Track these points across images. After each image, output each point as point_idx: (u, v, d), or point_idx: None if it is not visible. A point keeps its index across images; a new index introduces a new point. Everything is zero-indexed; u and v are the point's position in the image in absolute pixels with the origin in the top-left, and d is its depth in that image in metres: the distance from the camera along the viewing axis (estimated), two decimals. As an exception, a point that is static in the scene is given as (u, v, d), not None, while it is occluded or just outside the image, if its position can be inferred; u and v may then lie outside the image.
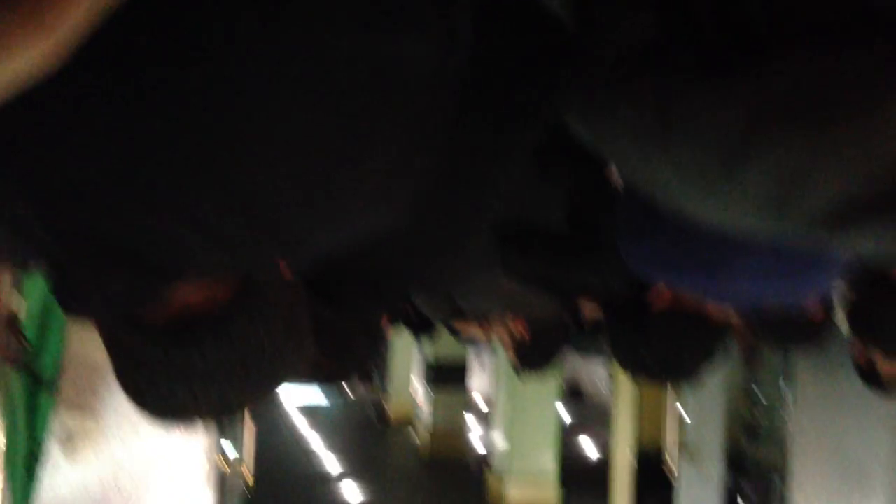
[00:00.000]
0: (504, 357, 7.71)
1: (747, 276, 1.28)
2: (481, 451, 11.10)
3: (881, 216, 0.67)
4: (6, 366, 2.13)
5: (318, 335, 0.92)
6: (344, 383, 1.58)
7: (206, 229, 0.64)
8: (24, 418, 2.21)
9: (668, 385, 3.82)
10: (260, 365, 0.78)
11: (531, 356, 2.40)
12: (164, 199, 0.61)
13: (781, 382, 3.68)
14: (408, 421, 13.40)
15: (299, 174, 0.66)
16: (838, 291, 2.05)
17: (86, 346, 2.43)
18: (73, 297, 0.72)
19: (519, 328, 2.37)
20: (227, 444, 2.86)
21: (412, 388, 13.97)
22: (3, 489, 2.19)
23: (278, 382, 0.83)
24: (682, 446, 4.33)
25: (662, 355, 1.47)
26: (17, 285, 2.17)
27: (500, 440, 8.27)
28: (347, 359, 1.47)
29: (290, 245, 0.71)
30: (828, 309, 2.05)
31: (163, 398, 0.77)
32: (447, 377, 11.12)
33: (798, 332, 2.07)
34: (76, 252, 0.66)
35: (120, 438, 2.53)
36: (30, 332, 2.20)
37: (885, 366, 1.99)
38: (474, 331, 2.37)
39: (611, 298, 1.68)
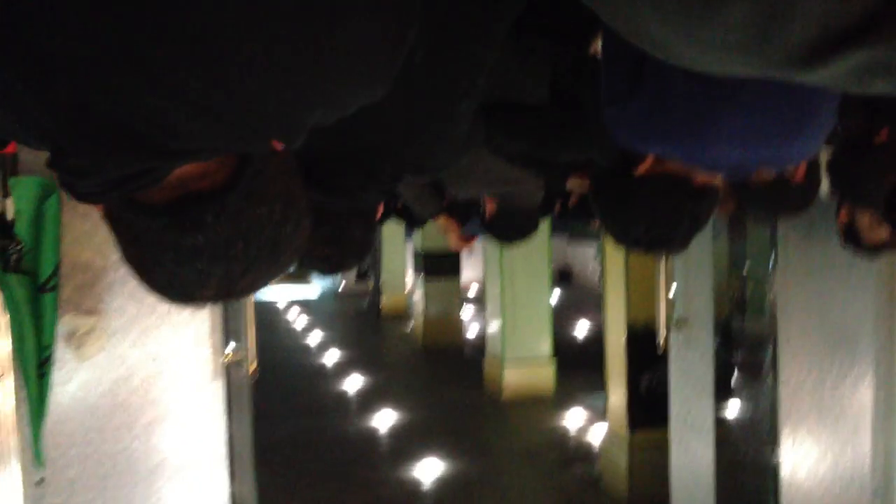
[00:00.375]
0: (494, 245, 7.80)
1: (732, 141, 1.29)
2: (476, 337, 11.35)
3: (857, 47, 0.69)
4: (6, 271, 2.15)
5: (316, 224, 0.94)
6: (340, 274, 1.62)
7: (196, 105, 0.65)
8: (30, 323, 2.25)
9: (658, 255, 3.88)
10: (261, 242, 0.80)
11: (506, 231, 2.44)
12: (153, 73, 0.62)
13: (769, 252, 3.75)
14: (402, 312, 13.63)
15: (284, 42, 0.66)
16: (822, 156, 2.07)
17: (83, 250, 2.45)
18: (75, 181, 0.73)
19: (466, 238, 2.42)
20: (231, 342, 2.92)
21: (405, 279, 14.15)
22: (18, 393, 2.25)
23: (280, 264, 0.86)
24: (673, 321, 4.44)
25: (650, 226, 1.49)
26: (5, 189, 2.16)
27: (494, 326, 8.44)
28: (345, 247, 1.50)
29: (278, 120, 0.72)
30: (812, 175, 2.08)
31: (169, 277, 0.80)
32: (439, 267, 11.23)
33: (783, 199, 2.09)
34: (74, 134, 0.67)
35: (128, 339, 2.59)
36: (23, 235, 2.20)
37: (865, 227, 2.04)
38: (454, 235, 2.41)
39: (598, 173, 1.69)
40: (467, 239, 2.41)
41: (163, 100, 0.63)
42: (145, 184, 0.72)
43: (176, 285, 0.81)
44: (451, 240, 2.44)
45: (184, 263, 0.78)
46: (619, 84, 1.32)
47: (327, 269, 1.54)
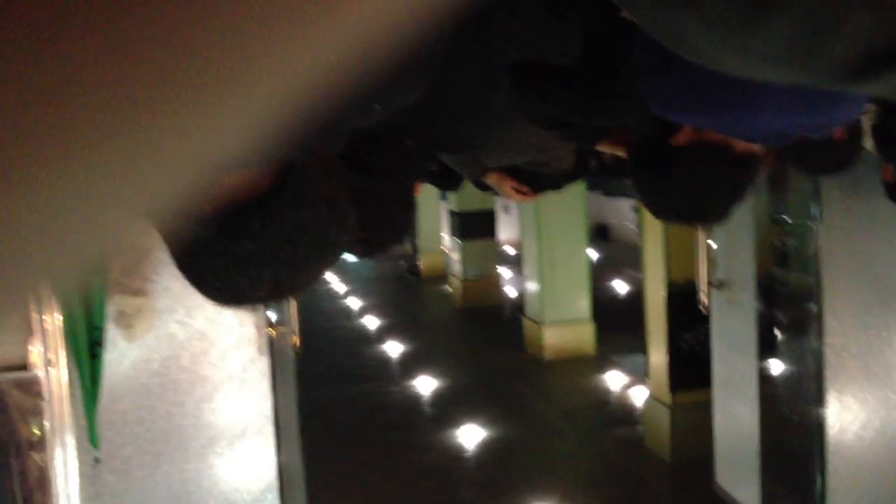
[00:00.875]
0: (530, 205, 7.73)
1: (772, 111, 1.25)
2: (515, 298, 11.36)
3: None
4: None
5: (356, 208, 0.95)
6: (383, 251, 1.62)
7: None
8: (80, 306, 2.30)
9: (698, 227, 3.83)
10: (308, 244, 0.82)
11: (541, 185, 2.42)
12: None
13: (811, 208, 3.68)
14: (440, 273, 13.68)
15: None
16: (866, 114, 2.02)
17: (126, 231, 2.48)
18: None
19: (523, 187, 2.38)
20: (273, 314, 2.96)
21: (441, 241, 14.17)
22: (72, 375, 2.31)
23: (328, 262, 0.87)
24: (714, 279, 4.39)
25: (690, 197, 1.45)
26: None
27: (532, 286, 8.43)
28: (384, 228, 1.50)
29: (323, 131, 0.72)
30: (855, 132, 2.03)
31: (220, 284, 0.81)
32: (475, 227, 11.22)
33: (826, 158, 2.05)
34: None
35: (175, 317, 2.64)
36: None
37: None
38: (506, 188, 2.37)
39: (633, 141, 1.66)
40: (526, 191, 2.37)
41: None
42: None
43: (227, 290, 0.83)
44: (509, 193, 2.40)
45: (233, 270, 0.80)
46: (653, 54, 1.29)
47: (367, 252, 1.54)
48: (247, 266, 0.80)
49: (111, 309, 2.52)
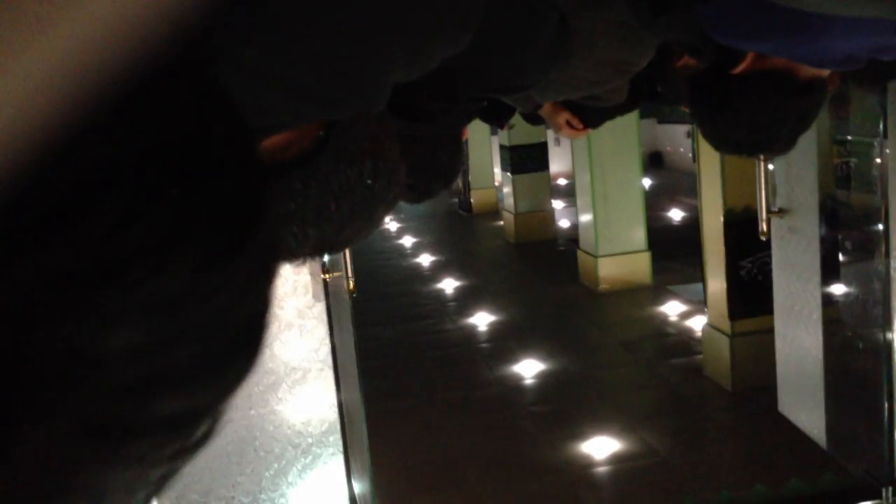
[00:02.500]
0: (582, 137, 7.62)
1: (841, 32, 1.18)
2: (569, 230, 11.28)
3: None
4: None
5: (403, 154, 0.92)
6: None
7: (274, 80, 0.63)
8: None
9: (762, 157, 3.71)
10: (353, 201, 0.80)
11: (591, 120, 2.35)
12: (245, 61, 0.60)
13: (878, 125, 3.53)
14: (492, 208, 13.63)
15: (369, 19, 0.63)
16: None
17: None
18: None
19: (576, 121, 2.31)
20: (326, 257, 2.97)
21: (493, 175, 14.08)
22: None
23: (377, 218, 0.86)
24: (774, 206, 4.28)
25: (753, 129, 1.39)
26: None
27: (586, 217, 8.35)
28: (433, 174, 1.47)
29: (360, 87, 0.70)
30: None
31: None
32: (527, 161, 11.11)
33: (892, 67, 1.95)
34: None
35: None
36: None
37: None
38: (560, 120, 2.30)
39: (694, 75, 1.60)
40: (578, 124, 2.30)
41: (243, 79, 0.62)
42: None
43: None
44: (561, 126, 2.34)
45: (278, 226, 0.79)
46: None
47: (415, 198, 1.51)
48: (291, 224, 0.79)
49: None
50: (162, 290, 0.32)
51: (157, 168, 0.32)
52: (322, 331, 2.79)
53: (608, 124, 2.69)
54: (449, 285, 9.18)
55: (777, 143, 1.43)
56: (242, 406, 2.70)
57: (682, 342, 6.63)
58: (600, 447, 4.86)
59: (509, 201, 11.46)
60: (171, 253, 0.32)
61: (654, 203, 11.25)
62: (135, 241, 0.31)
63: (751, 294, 5.26)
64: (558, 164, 14.26)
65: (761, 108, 1.36)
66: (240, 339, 0.38)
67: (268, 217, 0.38)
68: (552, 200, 11.75)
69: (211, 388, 0.37)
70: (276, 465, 2.76)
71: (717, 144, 1.49)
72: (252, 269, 0.36)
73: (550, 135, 11.01)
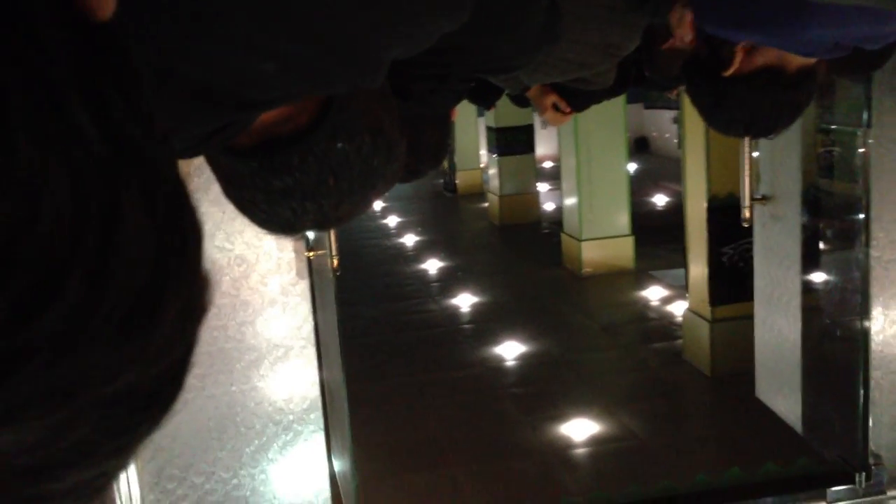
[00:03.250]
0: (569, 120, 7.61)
1: (829, 21, 1.20)
2: (553, 213, 11.30)
3: None
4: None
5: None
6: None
7: (270, 56, 0.63)
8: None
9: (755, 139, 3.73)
10: (352, 176, 0.81)
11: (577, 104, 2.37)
12: (227, 28, 0.60)
13: (861, 115, 3.55)
14: (477, 189, 13.63)
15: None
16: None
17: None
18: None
19: (563, 104, 2.31)
20: (311, 235, 2.97)
21: (479, 157, 14.07)
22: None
23: (375, 192, 0.86)
24: (757, 193, 4.30)
25: (750, 122, 1.44)
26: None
27: (570, 201, 8.37)
28: (421, 153, 1.47)
29: (356, 63, 0.70)
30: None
31: (265, 215, 0.82)
32: (513, 142, 11.10)
33: (879, 57, 1.98)
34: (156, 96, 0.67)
35: (214, 243, 2.65)
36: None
37: None
38: (546, 103, 2.30)
39: (690, 75, 1.63)
40: (564, 108, 2.30)
41: (238, 53, 0.61)
42: (230, 135, 0.72)
43: (273, 221, 0.84)
44: (547, 109, 2.35)
45: (276, 203, 0.80)
46: None
47: (403, 177, 1.51)
48: (289, 199, 0.80)
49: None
50: (60, 379, 0.28)
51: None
52: (305, 308, 2.79)
53: (595, 108, 2.70)
54: (433, 266, 9.18)
55: (776, 130, 1.48)
56: (224, 382, 2.70)
57: (663, 327, 6.68)
58: (579, 429, 4.90)
59: (494, 183, 11.46)
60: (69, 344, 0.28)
61: (639, 188, 11.28)
62: (36, 330, 0.27)
63: (732, 280, 5.30)
64: (544, 146, 14.25)
65: (755, 107, 1.41)
66: (150, 403, 0.34)
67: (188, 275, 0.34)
68: (537, 183, 11.76)
69: (117, 455, 0.33)
70: (256, 442, 2.77)
71: (715, 129, 1.55)
72: (166, 339, 0.32)
73: (537, 117, 11.00)
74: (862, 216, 3.64)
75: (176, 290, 0.33)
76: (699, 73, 1.43)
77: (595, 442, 4.79)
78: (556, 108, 2.30)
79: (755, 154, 4.28)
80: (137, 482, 2.62)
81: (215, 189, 0.84)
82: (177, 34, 0.59)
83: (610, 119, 7.73)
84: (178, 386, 0.35)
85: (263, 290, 2.71)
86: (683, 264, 5.90)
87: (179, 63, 0.61)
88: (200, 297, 0.36)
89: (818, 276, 4.24)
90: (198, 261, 0.35)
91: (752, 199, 4.15)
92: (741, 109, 1.39)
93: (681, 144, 5.81)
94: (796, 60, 1.34)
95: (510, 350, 6.31)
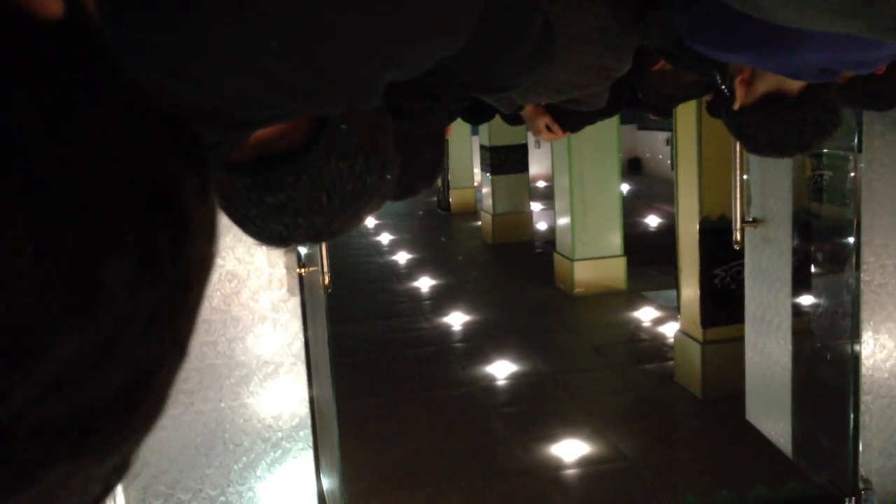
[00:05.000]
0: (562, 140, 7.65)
1: (815, 45, 1.21)
2: (546, 232, 11.31)
3: None
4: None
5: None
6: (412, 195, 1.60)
7: (264, 76, 0.64)
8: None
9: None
10: (344, 195, 0.81)
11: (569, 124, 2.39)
12: (222, 48, 0.60)
13: (852, 139, 3.58)
14: (470, 208, 13.64)
15: (364, 18, 0.63)
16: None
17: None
18: None
19: (556, 127, 2.33)
20: (304, 251, 2.97)
21: (472, 175, 14.09)
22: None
23: (368, 210, 0.87)
24: (749, 216, 4.32)
25: (776, 147, 1.52)
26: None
27: (563, 221, 8.38)
28: (416, 171, 1.47)
29: (351, 85, 0.70)
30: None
31: (258, 229, 0.83)
32: (507, 162, 11.13)
33: (871, 92, 2.00)
34: None
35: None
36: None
37: None
38: (539, 124, 2.31)
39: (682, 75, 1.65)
40: (556, 129, 2.32)
41: (231, 73, 0.61)
42: (224, 152, 0.73)
43: (265, 235, 0.85)
44: (540, 129, 2.36)
45: (269, 218, 0.81)
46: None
47: (397, 195, 1.51)
48: (281, 214, 0.80)
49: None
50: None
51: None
52: (296, 325, 2.78)
53: (588, 128, 2.71)
54: (425, 284, 9.17)
55: (808, 147, 1.52)
56: (212, 398, 2.69)
57: (655, 348, 6.68)
58: (570, 450, 4.88)
59: (488, 202, 11.48)
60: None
61: (632, 209, 11.31)
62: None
63: (723, 302, 5.31)
64: (538, 166, 14.30)
65: (772, 130, 1.47)
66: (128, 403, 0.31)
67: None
68: (531, 202, 11.78)
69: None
70: (244, 459, 2.75)
71: (764, 156, 1.64)
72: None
73: (531, 137, 11.03)
74: (852, 240, 3.66)
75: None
76: (720, 113, 1.50)
77: (585, 463, 4.77)
78: (549, 129, 2.32)
79: (746, 177, 4.30)
80: (123, 499, 2.60)
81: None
82: (167, 53, 0.59)
83: (603, 139, 7.76)
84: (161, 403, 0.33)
85: (254, 306, 2.70)
86: (675, 285, 5.91)
87: (170, 81, 0.61)
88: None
89: (809, 300, 4.25)
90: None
91: (744, 221, 4.17)
92: (762, 135, 1.45)
93: (673, 166, 5.83)
94: (796, 83, 1.36)
95: (501, 369, 6.29)
